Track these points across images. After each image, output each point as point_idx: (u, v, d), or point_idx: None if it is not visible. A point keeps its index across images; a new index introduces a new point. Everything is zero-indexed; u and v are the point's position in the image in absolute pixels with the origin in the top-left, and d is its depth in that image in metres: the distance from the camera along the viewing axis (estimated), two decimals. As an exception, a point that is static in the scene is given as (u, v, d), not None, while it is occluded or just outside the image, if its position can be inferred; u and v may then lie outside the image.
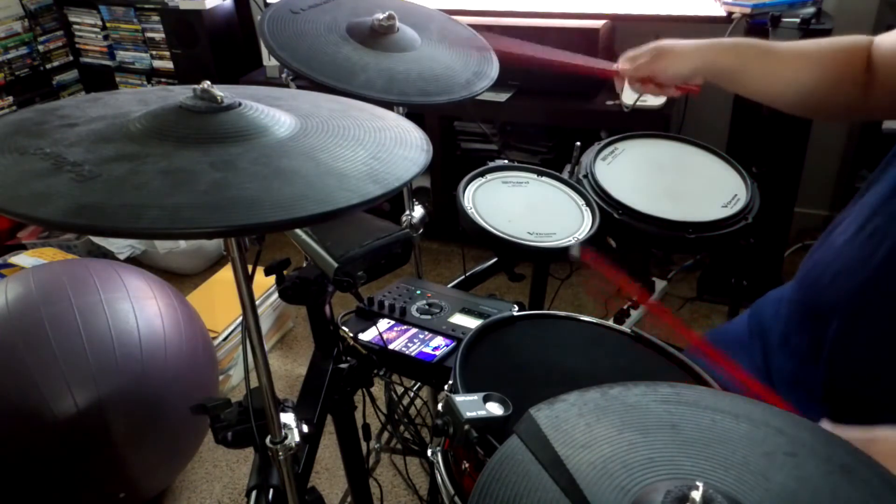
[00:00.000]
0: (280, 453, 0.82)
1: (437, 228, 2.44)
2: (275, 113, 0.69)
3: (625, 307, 2.28)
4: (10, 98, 3.09)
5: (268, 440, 0.82)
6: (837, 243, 0.84)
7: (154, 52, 3.10)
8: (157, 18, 2.96)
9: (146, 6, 2.99)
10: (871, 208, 0.81)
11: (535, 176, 1.21)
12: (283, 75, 1.15)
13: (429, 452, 0.81)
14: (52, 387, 1.39)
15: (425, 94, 1.07)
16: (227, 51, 2.88)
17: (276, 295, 1.22)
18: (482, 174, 1.18)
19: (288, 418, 0.84)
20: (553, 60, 1.15)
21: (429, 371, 1.01)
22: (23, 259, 2.29)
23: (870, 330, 0.79)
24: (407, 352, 1.03)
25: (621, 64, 1.10)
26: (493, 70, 1.19)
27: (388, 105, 0.95)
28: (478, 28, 1.31)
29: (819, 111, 1.00)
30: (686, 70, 1.03)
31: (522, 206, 1.14)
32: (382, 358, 1.06)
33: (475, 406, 0.69)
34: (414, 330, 1.09)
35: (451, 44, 1.20)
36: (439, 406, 0.72)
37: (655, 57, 1.04)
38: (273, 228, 0.55)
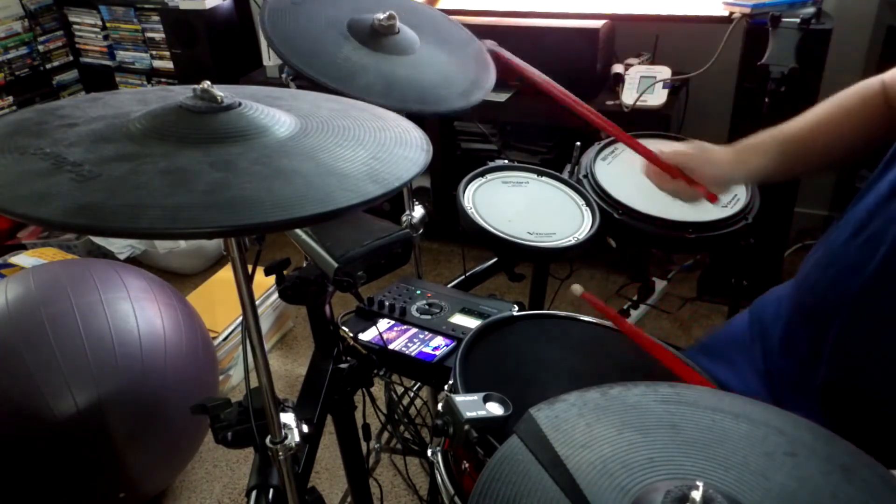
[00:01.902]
0: (280, 453, 0.82)
1: (437, 228, 2.44)
2: (275, 113, 0.69)
3: (625, 307, 2.28)
4: (10, 98, 3.09)
5: (268, 440, 0.82)
6: (836, 245, 0.84)
7: (154, 52, 3.10)
8: (157, 18, 2.96)
9: (146, 6, 2.99)
10: (868, 211, 0.81)
11: (535, 176, 1.21)
12: (283, 75, 1.15)
13: (429, 452, 0.81)
14: (52, 387, 1.39)
15: (423, 102, 1.07)
16: (227, 51, 2.88)
17: (276, 295, 1.22)
18: (482, 174, 1.18)
19: (288, 418, 0.84)
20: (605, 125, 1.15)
21: (429, 371, 1.01)
22: (23, 259, 2.29)
23: (869, 332, 0.79)
24: (407, 352, 1.03)
25: (664, 153, 1.06)
26: (490, 80, 1.19)
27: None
28: (477, 28, 1.31)
29: (867, 156, 0.99)
30: (721, 174, 1.02)
31: (522, 206, 1.14)
32: (382, 358, 1.06)
33: (475, 406, 0.69)
34: (414, 330, 1.09)
35: (450, 50, 1.20)
36: (439, 406, 0.72)
37: (701, 153, 1.03)
38: (273, 228, 0.55)
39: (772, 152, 0.99)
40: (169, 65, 3.03)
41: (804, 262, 0.92)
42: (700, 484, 0.46)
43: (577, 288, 0.89)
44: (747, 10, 1.98)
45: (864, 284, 0.78)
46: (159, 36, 3.01)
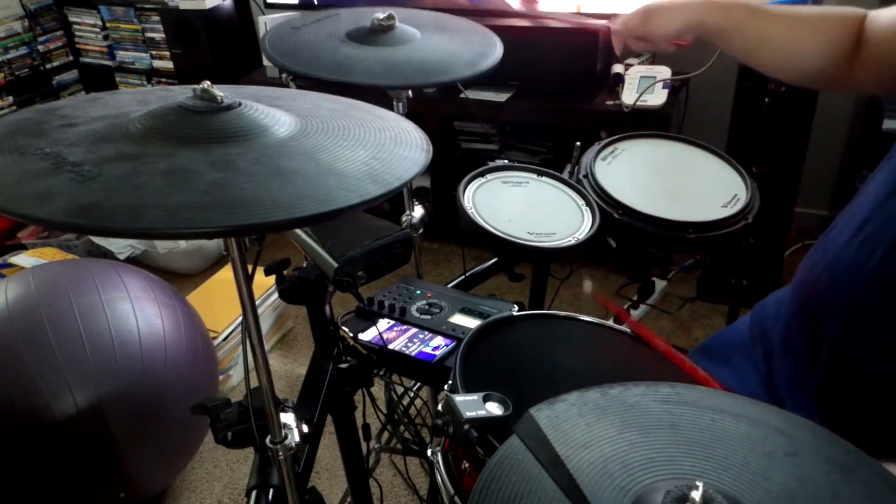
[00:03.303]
0: (280, 453, 0.82)
1: (437, 228, 2.44)
2: (275, 113, 0.69)
3: (625, 307, 2.28)
4: (10, 98, 3.09)
5: (268, 440, 0.82)
6: (834, 246, 0.84)
7: (154, 52, 3.10)
8: (157, 18, 2.96)
9: (146, 6, 2.99)
10: (865, 212, 0.81)
11: (535, 176, 1.21)
12: (284, 76, 1.16)
13: (429, 452, 0.81)
14: (52, 387, 1.39)
15: (427, 75, 1.06)
16: (227, 51, 2.88)
17: (276, 295, 1.22)
18: (482, 174, 1.18)
19: (288, 418, 0.84)
20: (542, 17, 1.16)
21: (429, 371, 1.01)
22: (23, 259, 2.29)
23: (867, 333, 0.79)
24: (407, 352, 1.03)
25: (615, 27, 1.10)
26: (497, 51, 1.17)
27: (388, 97, 0.94)
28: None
29: (805, 78, 0.98)
30: (675, 27, 1.01)
31: (522, 206, 1.14)
32: (382, 358, 1.05)
33: (475, 406, 0.69)
34: (414, 330, 1.08)
35: (452, 35, 1.20)
36: (439, 406, 0.72)
37: (645, 17, 1.04)
38: (273, 228, 0.55)
39: (733, 16, 0.97)
40: (169, 65, 3.03)
41: (803, 263, 0.92)
42: (700, 484, 0.46)
43: (588, 285, 0.89)
44: (747, 10, 1.98)
45: (861, 286, 0.78)
46: (159, 36, 3.02)
